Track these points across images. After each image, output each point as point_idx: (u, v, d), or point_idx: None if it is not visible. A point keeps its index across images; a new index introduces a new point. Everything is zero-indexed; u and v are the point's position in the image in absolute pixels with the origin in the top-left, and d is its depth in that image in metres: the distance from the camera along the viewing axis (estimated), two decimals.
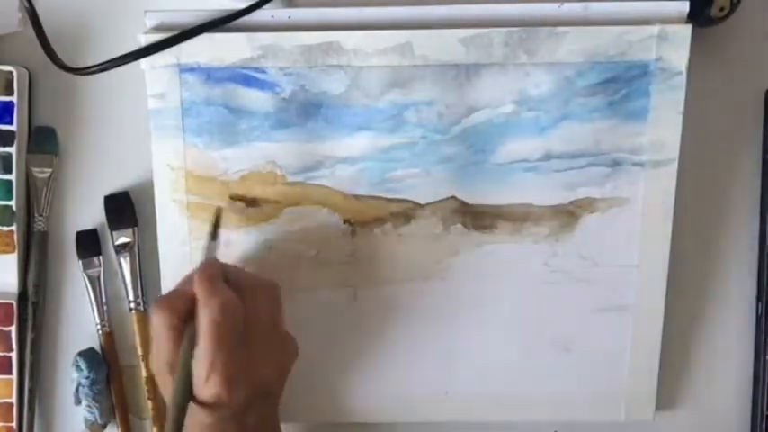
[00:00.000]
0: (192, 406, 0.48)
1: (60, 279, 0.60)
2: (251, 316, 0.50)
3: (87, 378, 0.59)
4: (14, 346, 0.58)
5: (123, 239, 0.59)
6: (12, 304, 0.58)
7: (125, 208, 0.59)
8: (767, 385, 0.59)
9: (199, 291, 0.49)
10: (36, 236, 0.59)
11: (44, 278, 0.59)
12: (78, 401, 0.59)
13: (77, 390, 0.59)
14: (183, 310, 0.49)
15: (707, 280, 0.60)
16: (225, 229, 0.56)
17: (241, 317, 0.49)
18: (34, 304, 0.59)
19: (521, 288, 0.57)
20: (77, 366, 0.59)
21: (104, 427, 0.60)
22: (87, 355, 0.59)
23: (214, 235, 0.54)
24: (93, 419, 0.59)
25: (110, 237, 0.59)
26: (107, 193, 0.59)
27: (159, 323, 0.49)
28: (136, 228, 0.58)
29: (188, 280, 0.51)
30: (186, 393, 0.48)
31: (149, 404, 0.60)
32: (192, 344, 0.48)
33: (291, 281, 0.57)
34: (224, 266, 0.52)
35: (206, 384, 0.47)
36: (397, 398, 0.59)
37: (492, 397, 0.59)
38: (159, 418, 0.60)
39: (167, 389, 0.49)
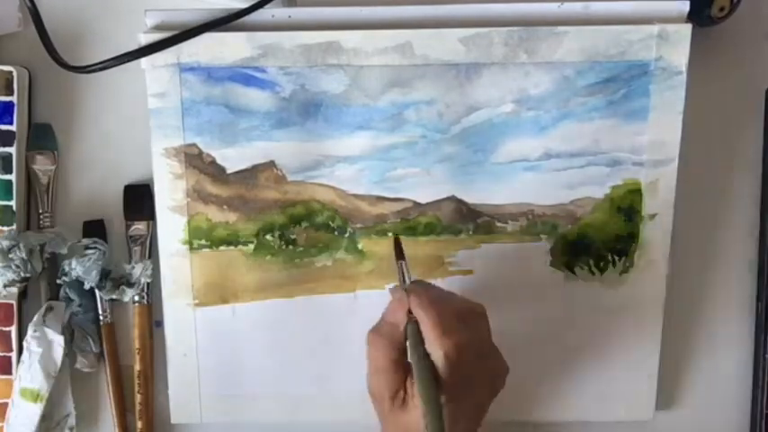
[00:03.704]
0: None
1: None
2: (473, 345, 0.48)
3: (80, 306, 0.58)
4: (14, 346, 0.58)
5: (138, 231, 0.59)
6: (12, 304, 0.58)
7: (144, 199, 0.58)
8: (767, 385, 0.59)
9: (428, 320, 0.47)
10: None
11: None
12: (71, 335, 0.59)
13: (69, 321, 0.58)
14: (402, 341, 0.49)
15: (707, 280, 0.60)
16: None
17: (473, 357, 0.47)
18: None
19: (521, 288, 0.57)
20: (68, 299, 0.58)
21: (99, 357, 0.59)
22: (72, 285, 0.58)
23: (400, 254, 0.53)
24: (89, 348, 0.59)
25: (122, 227, 0.59)
26: (106, 192, 0.59)
27: (381, 356, 0.49)
28: (152, 221, 0.58)
29: (398, 303, 0.49)
30: (434, 382, 0.46)
31: (138, 398, 0.59)
32: (419, 339, 0.47)
33: (291, 281, 0.57)
34: (434, 289, 0.51)
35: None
36: None
37: None
38: (146, 412, 0.60)
39: (384, 411, 0.49)
